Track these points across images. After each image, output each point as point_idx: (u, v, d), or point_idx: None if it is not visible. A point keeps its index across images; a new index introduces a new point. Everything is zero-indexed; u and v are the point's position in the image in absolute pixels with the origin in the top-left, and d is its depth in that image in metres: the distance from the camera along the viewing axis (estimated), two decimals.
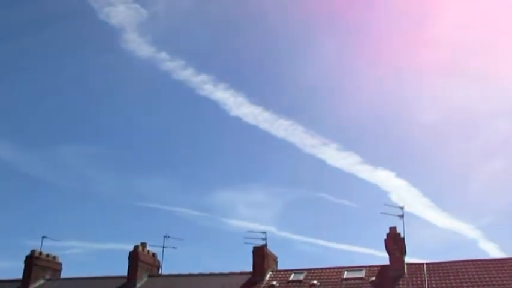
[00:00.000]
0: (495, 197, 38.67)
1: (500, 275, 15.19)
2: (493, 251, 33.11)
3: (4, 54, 46.87)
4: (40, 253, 20.80)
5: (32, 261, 20.32)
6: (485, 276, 15.34)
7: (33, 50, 48.32)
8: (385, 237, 17.01)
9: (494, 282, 14.90)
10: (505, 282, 14.74)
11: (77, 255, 35.12)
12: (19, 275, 20.47)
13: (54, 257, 21.61)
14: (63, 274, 21.82)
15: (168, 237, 20.85)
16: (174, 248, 20.90)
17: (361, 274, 16.71)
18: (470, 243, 34.08)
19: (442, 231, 37.36)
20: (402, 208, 17.61)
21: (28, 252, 20.60)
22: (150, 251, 20.35)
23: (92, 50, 49.51)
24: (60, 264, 21.88)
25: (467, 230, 35.08)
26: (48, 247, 21.31)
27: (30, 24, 48.25)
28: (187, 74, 42.54)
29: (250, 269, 18.29)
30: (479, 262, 16.32)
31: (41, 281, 20.46)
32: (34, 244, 21.45)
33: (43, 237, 20.96)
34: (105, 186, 46.16)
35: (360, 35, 48.20)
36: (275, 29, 49.10)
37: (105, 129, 50.04)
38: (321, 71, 48.41)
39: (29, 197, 45.09)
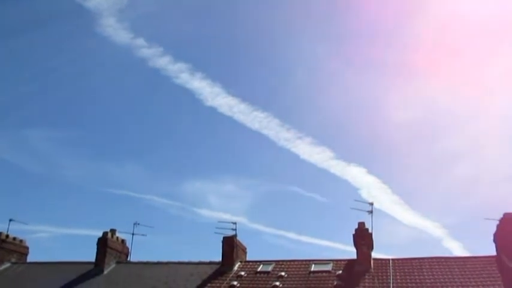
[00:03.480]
0: (461, 198, 39.93)
1: (463, 273, 15.45)
2: (457, 250, 34.45)
3: None
4: (7, 236, 20.70)
5: None
6: (448, 273, 15.56)
7: (2, 30, 47.12)
8: (354, 232, 17.23)
9: (457, 280, 15.12)
10: (467, 280, 15.01)
11: (45, 240, 34.92)
12: None
13: (21, 241, 21.44)
14: (30, 258, 21.74)
15: (138, 224, 20.83)
16: (143, 235, 20.95)
17: (328, 267, 16.87)
18: (435, 241, 35.17)
19: (408, 229, 38.71)
20: (371, 204, 17.82)
21: None
22: (119, 238, 20.29)
23: (65, 32, 48.55)
24: (27, 248, 21.75)
25: (433, 228, 36.22)
26: (15, 230, 21.18)
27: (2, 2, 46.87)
28: (164, 62, 42.52)
29: (219, 258, 18.38)
30: (443, 260, 16.59)
31: (7, 265, 20.36)
32: (1, 227, 21.33)
33: (10, 219, 20.90)
34: (76, 172, 46.05)
35: (338, 37, 49.08)
36: (257, 22, 49.24)
37: (77, 114, 49.52)
38: (299, 68, 48.89)
39: None
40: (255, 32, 51.48)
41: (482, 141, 41.57)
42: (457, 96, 45.15)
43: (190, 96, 49.94)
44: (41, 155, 45.36)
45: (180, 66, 43.69)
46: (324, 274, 16.51)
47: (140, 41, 42.26)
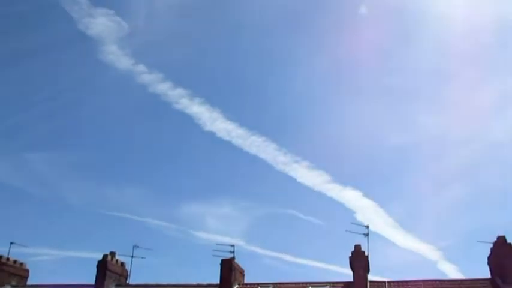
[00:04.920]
0: (456, 221, 40.24)
1: None
2: (452, 272, 34.09)
3: None
4: (7, 259, 20.30)
5: None
6: None
7: (7, 56, 47.58)
8: (350, 254, 17.02)
9: None
10: None
11: (45, 262, 34.44)
12: None
13: (21, 264, 21.10)
14: (30, 281, 21.27)
15: (137, 247, 20.59)
16: (142, 258, 20.65)
17: None
18: (430, 264, 34.89)
19: (404, 251, 38.23)
20: (367, 227, 17.70)
21: None
22: (118, 261, 20.02)
23: (68, 59, 49.35)
24: (28, 271, 21.38)
25: (428, 250, 35.97)
26: (16, 253, 20.84)
27: (2, 28, 47.86)
28: (164, 88, 42.70)
29: (217, 281, 18.15)
30: (438, 282, 16.69)
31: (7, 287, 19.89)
32: (1, 250, 20.90)
33: (11, 243, 20.50)
34: (76, 194, 46.30)
35: (333, 66, 50.69)
36: (255, 51, 50.96)
37: (78, 138, 49.88)
38: (296, 94, 49.99)
39: None
40: (252, 60, 52.69)
41: (474, 165, 42.27)
42: (449, 121, 46.22)
43: (189, 121, 50.18)
44: (42, 178, 45.43)
45: (180, 91, 44.08)
46: None
47: (141, 67, 42.74)
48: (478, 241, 16.96)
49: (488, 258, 16.90)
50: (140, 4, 50.63)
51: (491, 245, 16.70)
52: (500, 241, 16.18)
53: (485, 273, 16.89)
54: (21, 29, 48.88)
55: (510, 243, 16.01)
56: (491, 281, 16.23)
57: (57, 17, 48.29)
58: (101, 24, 42.73)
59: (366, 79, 48.47)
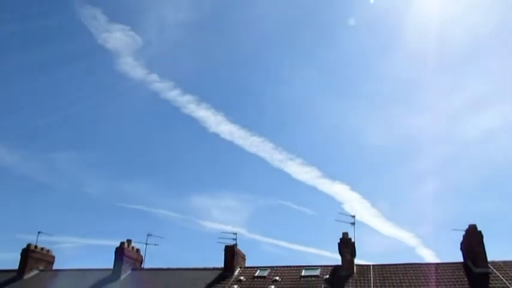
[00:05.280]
0: (432, 211, 41.99)
1: (434, 277, 16.38)
2: (429, 257, 36.22)
3: (15, 70, 49.31)
4: (35, 246, 21.53)
5: (28, 254, 21.08)
6: (422, 278, 16.51)
7: (35, 67, 50.91)
8: (338, 241, 18.17)
9: (429, 283, 16.09)
10: (438, 283, 15.95)
11: (68, 249, 36.72)
12: (16, 266, 21.24)
13: (48, 251, 22.26)
14: (56, 266, 22.59)
15: (151, 235, 21.45)
16: (155, 245, 21.62)
17: (317, 272, 17.72)
18: (409, 249, 37.08)
19: (386, 238, 40.35)
20: (354, 217, 18.79)
21: (25, 246, 21.39)
22: (134, 247, 20.97)
23: (89, 69, 52.57)
24: (53, 257, 22.53)
25: (407, 237, 38.24)
26: (43, 241, 22.20)
27: (30, 42, 50.94)
28: (173, 94, 45.90)
29: (221, 265, 19.28)
30: (416, 266, 17.49)
31: (35, 272, 21.24)
32: (30, 238, 22.39)
33: (39, 232, 21.69)
34: (96, 189, 49.35)
35: (324, 72, 53.16)
36: (254, 61, 54.43)
37: (98, 139, 53.15)
38: (291, 99, 53.32)
39: (27, 197, 47.80)
40: (252, 69, 55.96)
41: (448, 162, 45.04)
42: (425, 123, 48.46)
43: (196, 124, 53.58)
44: (66, 175, 48.69)
45: (188, 98, 46.89)
46: (313, 278, 17.34)
47: (153, 77, 46.58)
48: (452, 229, 17.88)
49: (461, 244, 17.81)
50: (152, 20, 54.25)
51: (464, 233, 17.58)
52: (471, 229, 17.02)
53: (458, 257, 17.79)
54: (46, 42, 52.15)
55: (480, 231, 16.79)
56: (463, 264, 17.12)
57: (78, 32, 51.45)
58: (117, 38, 46.30)
59: (352, 86, 51.74)
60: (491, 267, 16.36)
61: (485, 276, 15.79)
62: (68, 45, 52.83)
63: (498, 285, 15.08)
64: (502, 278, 15.57)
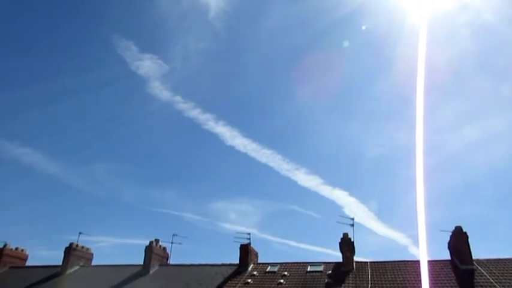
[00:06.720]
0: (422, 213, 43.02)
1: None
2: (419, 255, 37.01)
3: (64, 92, 54.58)
4: (76, 245, 23.11)
5: (70, 252, 22.63)
6: (413, 273, 17.09)
7: (77, 89, 56.14)
8: (339, 240, 18.96)
9: (420, 278, 16.58)
10: (428, 278, 16.36)
11: (105, 248, 40.29)
12: (60, 262, 22.88)
13: (87, 249, 23.81)
14: (94, 262, 24.24)
15: (176, 235, 22.72)
16: (180, 244, 22.92)
17: (321, 268, 18.44)
18: (402, 248, 39.83)
19: (381, 238, 42.72)
20: (353, 219, 19.57)
21: (67, 245, 23.05)
22: (161, 246, 22.17)
23: (123, 92, 58.45)
24: (92, 254, 24.08)
25: (400, 237, 40.36)
26: (83, 241, 23.89)
27: (76, 69, 56.38)
28: (195, 113, 50.27)
29: (237, 261, 20.23)
30: (409, 263, 18.16)
31: (76, 267, 22.82)
32: (72, 238, 24.14)
33: (79, 233, 23.39)
34: (129, 195, 54.26)
35: (324, 92, 55.58)
36: (263, 83, 58.75)
37: (131, 152, 58.38)
38: (297, 116, 57.24)
39: (70, 203, 53.32)
40: (262, 91, 60.23)
41: (435, 170, 46.82)
42: (413, 136, 49.37)
43: (214, 138, 58.23)
44: (103, 183, 54.15)
45: (207, 116, 51.92)
46: (318, 273, 18.04)
47: (178, 98, 51.68)
48: (440, 230, 18.46)
49: (448, 243, 18.39)
50: (177, 50, 60.41)
51: (451, 233, 18.18)
52: (458, 230, 17.66)
53: (446, 255, 18.42)
54: (89, 70, 57.61)
55: (465, 232, 17.44)
56: (450, 262, 17.73)
57: (116, 60, 57.26)
58: (147, 65, 51.74)
59: (349, 105, 55.16)
60: (476, 264, 17.03)
61: (471, 273, 16.41)
62: (107, 72, 58.49)
63: (482, 280, 15.65)
64: (485, 274, 16.24)
